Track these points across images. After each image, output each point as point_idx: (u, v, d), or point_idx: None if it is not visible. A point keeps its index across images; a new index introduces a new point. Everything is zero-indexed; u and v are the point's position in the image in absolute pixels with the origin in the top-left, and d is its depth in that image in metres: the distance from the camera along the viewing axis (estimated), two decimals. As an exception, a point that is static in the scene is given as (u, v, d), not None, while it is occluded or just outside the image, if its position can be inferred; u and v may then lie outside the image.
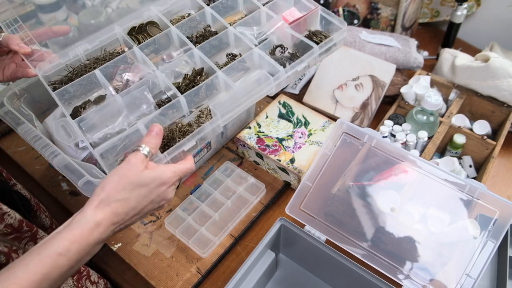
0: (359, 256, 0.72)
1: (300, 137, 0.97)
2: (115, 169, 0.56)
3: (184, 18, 0.83)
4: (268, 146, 0.95)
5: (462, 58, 1.07)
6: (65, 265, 0.49)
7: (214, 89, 0.75)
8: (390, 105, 1.06)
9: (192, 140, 0.67)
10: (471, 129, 0.98)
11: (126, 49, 0.79)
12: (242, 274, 0.71)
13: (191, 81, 0.74)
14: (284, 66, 0.77)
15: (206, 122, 0.69)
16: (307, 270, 0.82)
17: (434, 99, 0.92)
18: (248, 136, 0.97)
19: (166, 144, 0.67)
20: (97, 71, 0.74)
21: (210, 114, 0.71)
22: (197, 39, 0.81)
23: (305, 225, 0.77)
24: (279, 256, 0.84)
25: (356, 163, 0.78)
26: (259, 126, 0.99)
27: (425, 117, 0.96)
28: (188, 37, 0.80)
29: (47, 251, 0.49)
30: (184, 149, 0.67)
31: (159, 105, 0.72)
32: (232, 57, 0.80)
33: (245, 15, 0.86)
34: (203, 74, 0.76)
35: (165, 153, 0.65)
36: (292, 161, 0.92)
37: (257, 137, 0.97)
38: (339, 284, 0.78)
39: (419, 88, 1.01)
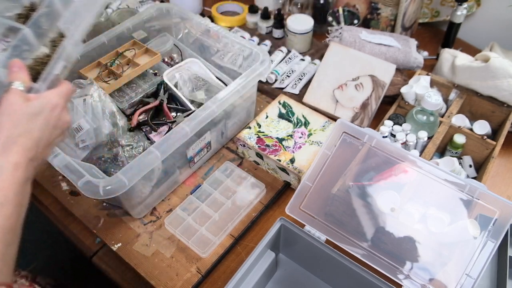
0: (359, 256, 0.72)
1: (300, 137, 0.97)
2: None
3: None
4: (268, 146, 0.95)
5: (462, 58, 1.07)
6: (13, 212, 0.49)
7: (57, 15, 0.68)
8: (390, 105, 1.06)
9: (59, 61, 0.63)
10: (471, 129, 0.98)
11: None
12: (242, 274, 0.71)
13: (28, 19, 0.67)
14: None
15: (64, 41, 0.64)
16: (307, 270, 0.82)
17: (434, 99, 0.92)
18: (248, 136, 0.97)
19: (35, 81, 0.61)
20: None
21: (63, 36, 0.66)
22: None
23: (305, 225, 0.77)
24: (279, 256, 0.84)
25: (356, 163, 0.78)
26: (259, 126, 0.99)
27: (425, 117, 0.96)
28: None
29: None
30: (56, 72, 0.62)
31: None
32: None
33: None
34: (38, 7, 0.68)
35: (39, 82, 0.60)
36: (292, 161, 0.92)
37: (257, 137, 0.97)
38: (339, 284, 0.78)
39: (419, 88, 1.01)
